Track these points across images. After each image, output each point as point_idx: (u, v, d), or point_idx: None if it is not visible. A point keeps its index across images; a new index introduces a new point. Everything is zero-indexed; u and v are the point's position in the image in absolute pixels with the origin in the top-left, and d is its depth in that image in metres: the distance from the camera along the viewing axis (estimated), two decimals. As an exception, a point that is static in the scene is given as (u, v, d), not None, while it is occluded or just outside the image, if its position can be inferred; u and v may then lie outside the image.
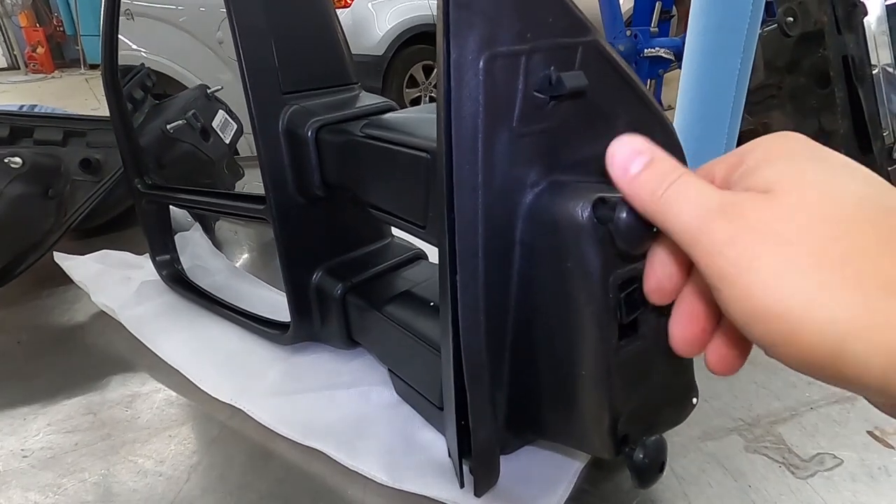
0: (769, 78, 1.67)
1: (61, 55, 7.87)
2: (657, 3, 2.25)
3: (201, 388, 0.54)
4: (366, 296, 0.53)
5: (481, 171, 0.29)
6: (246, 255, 0.83)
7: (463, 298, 0.32)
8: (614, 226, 0.26)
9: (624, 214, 0.26)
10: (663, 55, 2.10)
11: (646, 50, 2.11)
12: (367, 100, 0.54)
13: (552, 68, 0.29)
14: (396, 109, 0.54)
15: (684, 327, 0.26)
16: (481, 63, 0.27)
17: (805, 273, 0.19)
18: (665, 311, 0.35)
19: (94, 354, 0.61)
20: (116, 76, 0.63)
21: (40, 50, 7.53)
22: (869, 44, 1.60)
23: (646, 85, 2.23)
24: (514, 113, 0.29)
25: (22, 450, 0.48)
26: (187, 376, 0.55)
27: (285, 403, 0.51)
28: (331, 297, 0.54)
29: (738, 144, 0.36)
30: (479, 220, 0.31)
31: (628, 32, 2.19)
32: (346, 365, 0.56)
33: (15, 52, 7.77)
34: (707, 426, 0.48)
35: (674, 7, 2.51)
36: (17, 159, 0.64)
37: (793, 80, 1.66)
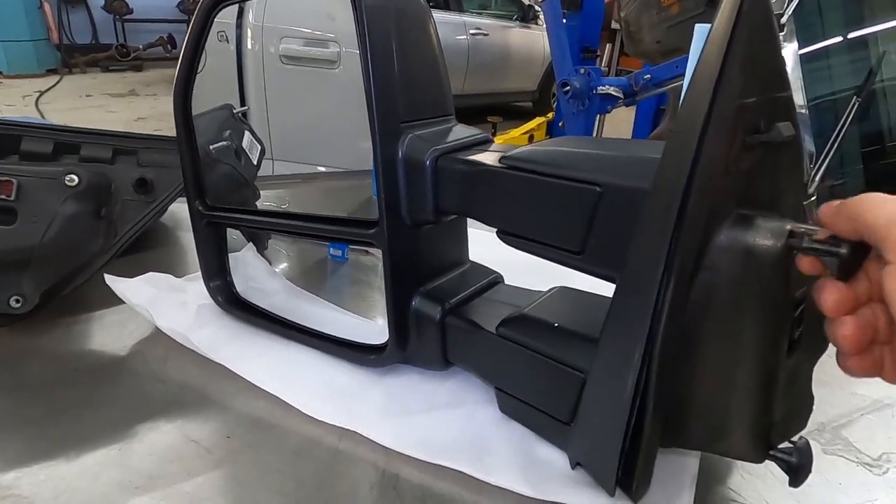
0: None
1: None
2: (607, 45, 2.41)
3: (304, 411, 0.53)
4: (466, 317, 0.55)
5: (704, 203, 0.33)
6: (298, 275, 0.82)
7: (667, 327, 0.35)
8: (839, 259, 0.30)
9: (845, 251, 0.30)
10: (612, 93, 2.26)
11: (598, 88, 2.26)
12: (465, 131, 0.57)
13: (762, 118, 0.33)
14: (492, 141, 0.58)
15: (857, 337, 0.31)
16: (733, 110, 0.31)
17: None
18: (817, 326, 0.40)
19: (166, 380, 0.58)
20: (189, 97, 0.62)
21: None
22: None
23: (595, 119, 2.36)
24: (731, 153, 0.33)
25: (130, 481, 0.46)
26: (285, 400, 0.54)
27: (399, 425, 0.52)
28: (430, 319, 0.55)
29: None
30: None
31: (582, 70, 2.34)
32: (441, 385, 0.57)
33: None
34: (785, 432, 0.54)
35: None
36: (75, 177, 0.61)
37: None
